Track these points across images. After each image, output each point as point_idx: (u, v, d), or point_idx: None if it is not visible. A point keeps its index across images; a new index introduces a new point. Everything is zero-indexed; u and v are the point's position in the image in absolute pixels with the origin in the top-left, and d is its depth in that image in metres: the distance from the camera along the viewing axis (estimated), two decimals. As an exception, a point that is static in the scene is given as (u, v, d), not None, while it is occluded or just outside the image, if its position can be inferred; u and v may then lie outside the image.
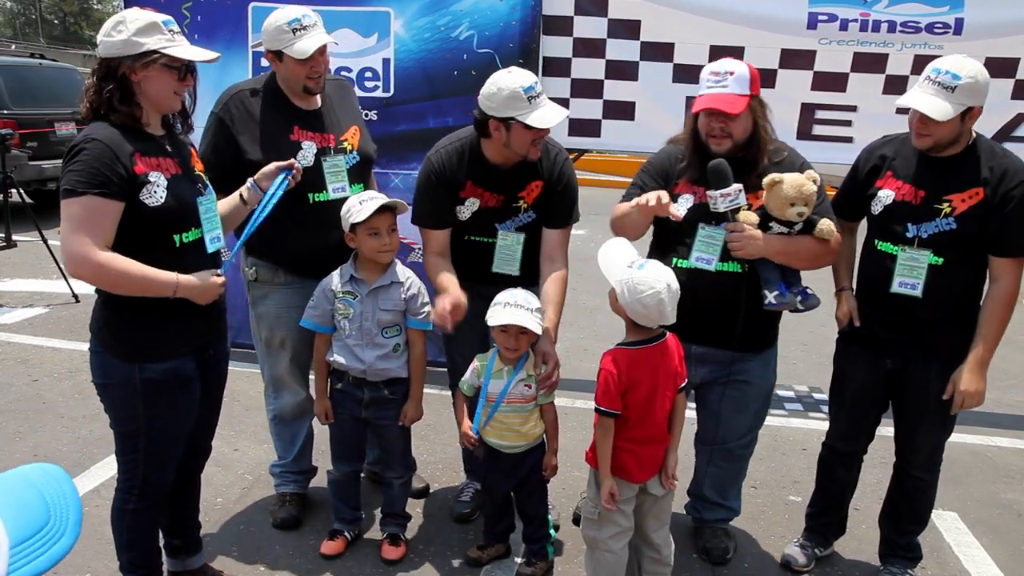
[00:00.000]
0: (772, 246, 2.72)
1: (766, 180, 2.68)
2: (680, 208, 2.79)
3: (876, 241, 2.81)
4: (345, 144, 3.05)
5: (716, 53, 4.43)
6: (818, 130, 4.47)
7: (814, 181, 2.67)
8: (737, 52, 4.43)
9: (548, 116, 2.74)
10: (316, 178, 2.96)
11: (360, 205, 2.77)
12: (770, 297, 2.75)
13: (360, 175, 3.07)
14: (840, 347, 3.03)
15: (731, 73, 2.70)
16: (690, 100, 4.50)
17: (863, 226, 2.95)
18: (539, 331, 2.73)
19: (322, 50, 2.90)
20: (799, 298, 2.77)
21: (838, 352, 3.04)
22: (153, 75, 2.23)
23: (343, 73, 3.19)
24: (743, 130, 2.75)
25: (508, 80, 2.75)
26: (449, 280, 2.87)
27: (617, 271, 2.46)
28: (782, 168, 2.77)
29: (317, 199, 2.97)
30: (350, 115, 3.14)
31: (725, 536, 3.21)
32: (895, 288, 2.72)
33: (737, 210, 2.71)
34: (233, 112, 2.96)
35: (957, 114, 2.51)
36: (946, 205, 2.64)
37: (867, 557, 3.22)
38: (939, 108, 2.50)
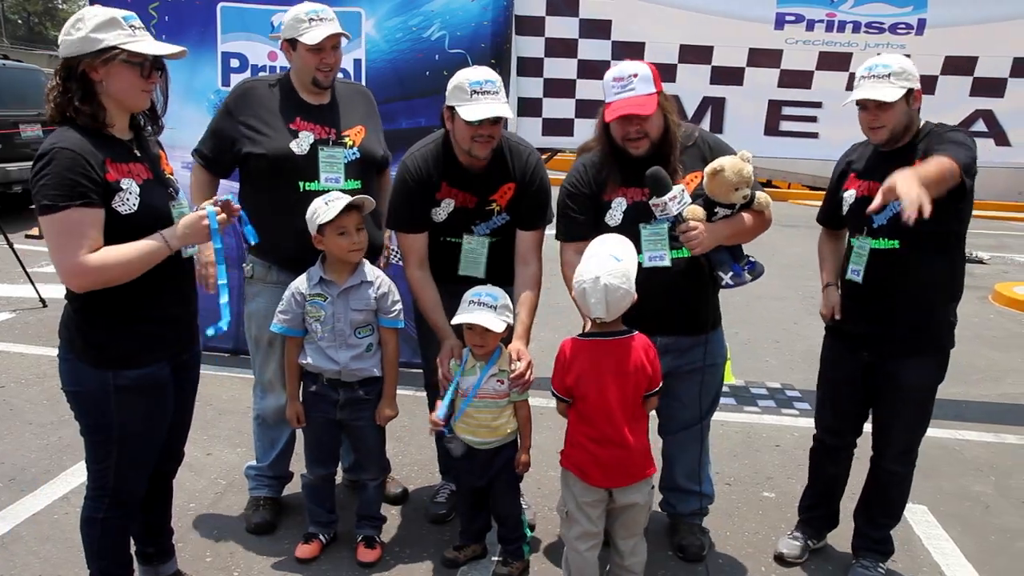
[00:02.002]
0: (723, 233, 2.79)
1: (707, 169, 2.75)
2: (615, 215, 2.87)
3: (850, 240, 2.92)
4: (346, 139, 3.07)
5: (686, 52, 4.52)
6: (785, 126, 4.59)
7: (748, 159, 2.76)
8: (706, 51, 4.52)
9: (478, 110, 2.74)
10: (310, 167, 3.01)
11: (327, 205, 2.77)
12: (726, 279, 2.82)
13: (359, 172, 3.09)
14: (825, 342, 3.12)
15: (635, 75, 2.74)
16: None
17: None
18: (500, 329, 2.76)
19: (335, 45, 2.98)
20: (747, 270, 2.85)
21: (824, 347, 3.13)
22: (115, 72, 2.18)
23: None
24: (657, 128, 2.80)
25: (463, 72, 2.84)
26: (444, 323, 2.92)
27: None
28: (698, 151, 2.88)
29: (308, 187, 2.99)
30: (359, 116, 3.17)
31: (700, 533, 3.24)
32: (848, 275, 2.86)
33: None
34: (239, 100, 3.06)
35: (902, 96, 2.67)
36: None
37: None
38: (885, 92, 2.67)
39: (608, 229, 2.85)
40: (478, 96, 2.76)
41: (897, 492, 3.02)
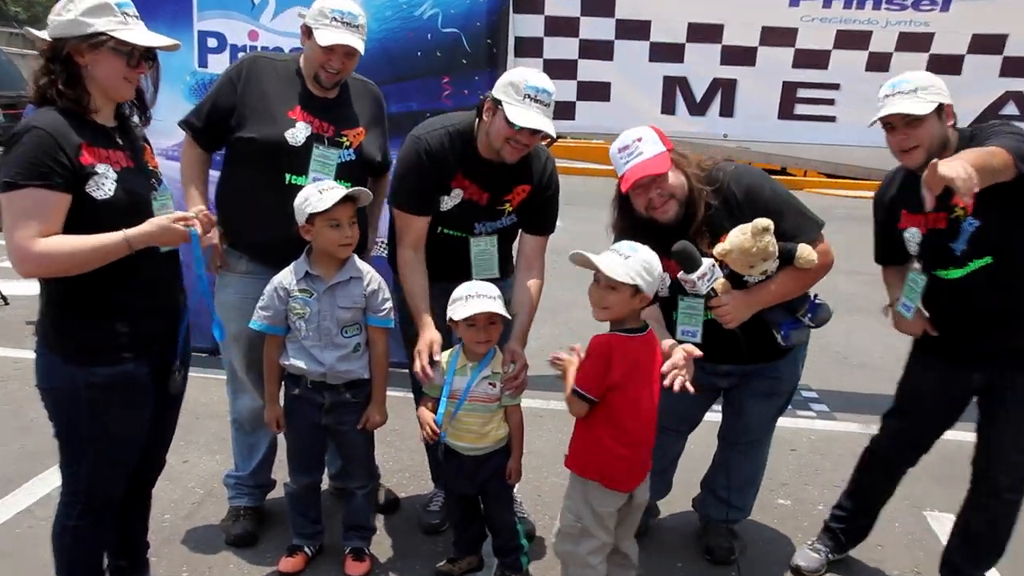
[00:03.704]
0: (760, 301, 2.78)
1: (716, 250, 2.73)
2: (663, 289, 2.81)
3: (936, 273, 2.79)
4: (344, 140, 3.07)
5: (694, 31, 4.53)
6: (800, 109, 4.59)
7: (766, 229, 2.64)
8: (716, 30, 4.54)
9: (527, 116, 2.75)
10: (300, 161, 3.00)
11: (320, 194, 2.76)
12: (779, 339, 2.83)
13: (351, 174, 3.06)
14: (916, 355, 3.02)
15: (639, 140, 2.74)
16: (668, 81, 4.64)
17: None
18: (508, 315, 2.80)
19: (349, 52, 2.95)
20: (808, 318, 2.84)
21: (913, 360, 3.03)
22: (101, 59, 2.23)
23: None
24: (680, 186, 2.77)
25: (522, 71, 2.87)
26: (426, 315, 2.93)
27: (621, 265, 2.44)
28: (725, 208, 2.79)
29: (293, 181, 2.99)
30: (364, 118, 3.17)
31: (731, 536, 3.30)
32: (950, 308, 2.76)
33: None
34: (244, 73, 3.04)
35: (933, 109, 2.60)
36: (960, 210, 2.66)
37: (887, 567, 3.28)
38: (914, 106, 2.60)
39: (658, 300, 2.81)
40: (530, 103, 2.77)
41: (1008, 524, 2.90)
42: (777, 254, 2.71)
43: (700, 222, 2.78)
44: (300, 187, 2.93)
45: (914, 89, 2.63)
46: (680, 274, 2.72)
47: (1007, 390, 2.78)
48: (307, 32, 2.98)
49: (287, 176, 2.99)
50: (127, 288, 2.30)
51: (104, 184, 2.22)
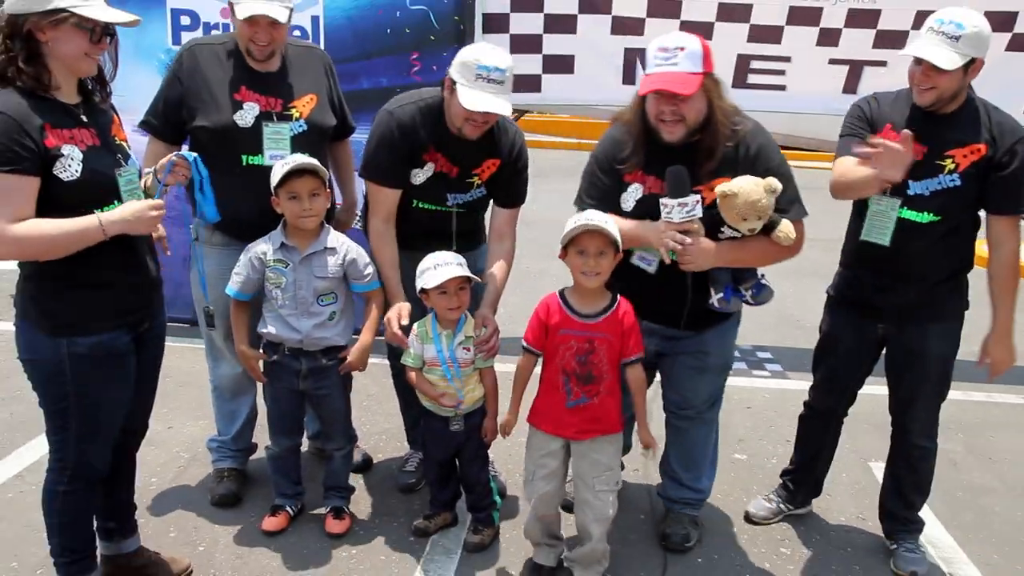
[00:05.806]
0: (723, 256, 2.63)
1: (718, 190, 2.53)
2: (628, 201, 2.74)
3: (868, 199, 2.78)
4: (292, 111, 3.05)
5: (654, 6, 4.54)
6: (752, 79, 4.64)
7: (775, 191, 2.52)
8: (675, 5, 4.55)
9: (478, 99, 2.69)
10: (253, 141, 3.00)
11: (282, 168, 2.79)
12: (714, 299, 2.71)
13: (307, 145, 3.02)
14: (829, 308, 3.07)
15: (681, 49, 2.53)
16: (629, 53, 4.63)
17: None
18: (476, 278, 2.86)
19: (273, 23, 2.87)
20: (750, 293, 2.74)
21: (826, 312, 3.08)
22: (63, 36, 2.16)
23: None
24: (696, 112, 2.58)
25: (475, 50, 2.79)
26: (398, 284, 2.96)
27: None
28: (733, 154, 2.65)
29: (250, 162, 3.00)
30: (310, 83, 3.13)
31: (690, 524, 3.12)
32: (867, 236, 2.77)
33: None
34: (185, 65, 3.02)
35: (962, 64, 2.54)
36: (949, 161, 2.63)
37: (834, 514, 3.38)
38: (947, 57, 2.52)
39: (621, 214, 2.71)
40: (483, 83, 2.70)
41: (927, 467, 3.01)
42: (764, 222, 2.58)
43: (713, 159, 2.62)
44: (257, 167, 2.97)
45: (958, 37, 2.52)
46: (664, 197, 2.55)
47: (907, 346, 2.86)
48: (232, 9, 2.91)
49: (243, 158, 2.99)
50: (101, 260, 2.28)
51: (71, 165, 2.18)
